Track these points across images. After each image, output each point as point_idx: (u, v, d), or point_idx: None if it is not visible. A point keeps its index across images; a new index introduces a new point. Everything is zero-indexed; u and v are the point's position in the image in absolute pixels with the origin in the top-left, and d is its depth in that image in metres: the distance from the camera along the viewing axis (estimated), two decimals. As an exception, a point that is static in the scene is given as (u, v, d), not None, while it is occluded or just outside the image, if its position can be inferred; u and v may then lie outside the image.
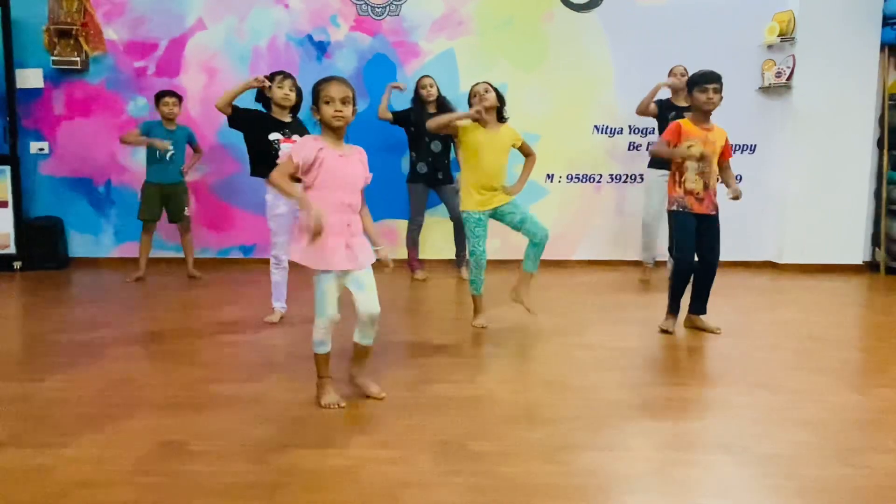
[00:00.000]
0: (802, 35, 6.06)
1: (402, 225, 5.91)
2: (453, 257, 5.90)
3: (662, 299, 4.07)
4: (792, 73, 6.10)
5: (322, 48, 6.23)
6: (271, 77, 4.08)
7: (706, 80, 3.71)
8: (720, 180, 3.89)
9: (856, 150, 6.19)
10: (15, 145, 6.02)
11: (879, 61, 6.15)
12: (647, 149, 6.27)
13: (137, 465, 2.17)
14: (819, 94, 6.10)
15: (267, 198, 4.04)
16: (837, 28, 6.04)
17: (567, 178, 6.41)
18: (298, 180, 2.69)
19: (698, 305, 3.99)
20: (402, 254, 5.85)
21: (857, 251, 6.28)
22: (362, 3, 6.20)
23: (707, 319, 3.98)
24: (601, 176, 6.42)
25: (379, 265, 2.78)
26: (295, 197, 2.62)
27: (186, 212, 5.69)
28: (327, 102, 2.62)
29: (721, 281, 3.99)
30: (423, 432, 2.44)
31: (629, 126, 6.34)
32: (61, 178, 6.26)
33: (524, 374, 3.24)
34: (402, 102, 5.78)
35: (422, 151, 5.59)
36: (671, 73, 5.51)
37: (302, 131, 4.13)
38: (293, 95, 4.08)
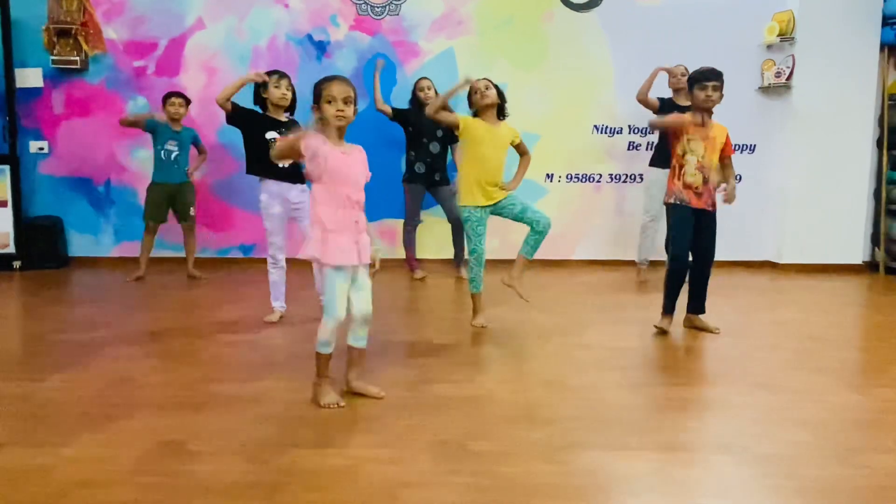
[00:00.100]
0: (802, 35, 6.06)
1: (400, 224, 5.90)
2: (452, 257, 5.90)
3: (661, 299, 4.06)
4: (791, 72, 6.10)
5: (322, 48, 6.23)
6: (268, 75, 4.07)
7: (705, 78, 3.71)
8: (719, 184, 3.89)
9: (855, 150, 6.19)
10: (14, 145, 6.02)
11: (879, 61, 6.16)
12: (647, 148, 6.28)
13: (137, 464, 2.17)
14: (819, 94, 6.10)
15: (261, 197, 4.04)
16: (837, 28, 6.04)
17: (567, 177, 6.42)
18: (299, 166, 2.71)
19: (696, 305, 3.99)
20: (401, 254, 5.85)
21: (856, 251, 6.29)
22: (362, 2, 6.20)
23: (706, 319, 3.98)
24: (601, 176, 6.42)
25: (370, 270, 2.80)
26: (293, 141, 2.61)
27: (192, 211, 5.69)
28: (329, 101, 2.62)
29: (720, 281, 3.99)
30: (423, 432, 2.44)
31: (629, 126, 6.34)
32: (61, 177, 6.26)
33: (524, 373, 3.24)
34: (402, 101, 5.78)
35: (420, 152, 5.59)
36: (672, 74, 5.50)
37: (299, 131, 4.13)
38: (290, 95, 4.08)
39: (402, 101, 5.80)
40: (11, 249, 5.99)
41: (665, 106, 5.50)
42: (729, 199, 3.84)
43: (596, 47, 6.28)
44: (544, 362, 3.38)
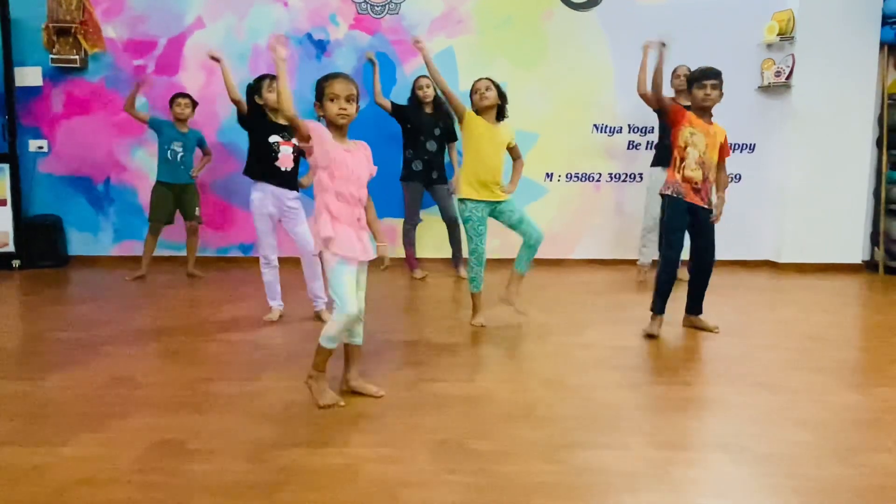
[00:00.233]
0: (802, 34, 6.06)
1: (399, 224, 5.90)
2: (450, 256, 5.89)
3: (661, 299, 4.05)
4: (791, 72, 6.10)
5: (321, 47, 6.22)
6: (261, 80, 4.05)
7: (704, 77, 3.72)
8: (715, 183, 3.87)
9: (855, 150, 6.19)
10: (14, 143, 6.01)
11: (879, 61, 6.15)
12: (647, 147, 6.28)
13: (136, 463, 2.17)
14: (818, 93, 6.10)
15: (253, 196, 4.04)
16: (837, 27, 6.04)
17: (566, 176, 6.41)
18: (302, 155, 2.69)
19: (694, 306, 3.98)
20: (401, 253, 5.85)
21: (856, 250, 6.28)
22: (362, 1, 6.20)
23: (705, 318, 3.98)
24: (600, 175, 6.42)
25: (375, 261, 2.81)
26: (301, 125, 2.58)
27: (197, 211, 5.69)
28: (332, 99, 2.62)
29: (720, 280, 3.99)
30: (422, 431, 2.44)
31: (628, 125, 6.34)
32: (60, 176, 6.25)
33: (523, 372, 3.24)
34: (401, 101, 5.78)
35: (418, 150, 5.59)
36: (674, 74, 5.48)
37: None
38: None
39: (401, 100, 5.79)
40: (11, 248, 5.99)
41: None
42: (715, 220, 3.82)
43: (596, 46, 6.27)
44: (544, 362, 3.38)
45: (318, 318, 4.11)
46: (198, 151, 5.75)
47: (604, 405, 2.75)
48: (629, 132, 6.36)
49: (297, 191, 4.12)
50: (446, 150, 5.78)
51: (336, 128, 2.67)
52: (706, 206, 3.78)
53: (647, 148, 6.29)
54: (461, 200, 3.95)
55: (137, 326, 3.99)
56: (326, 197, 2.65)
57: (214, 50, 4.25)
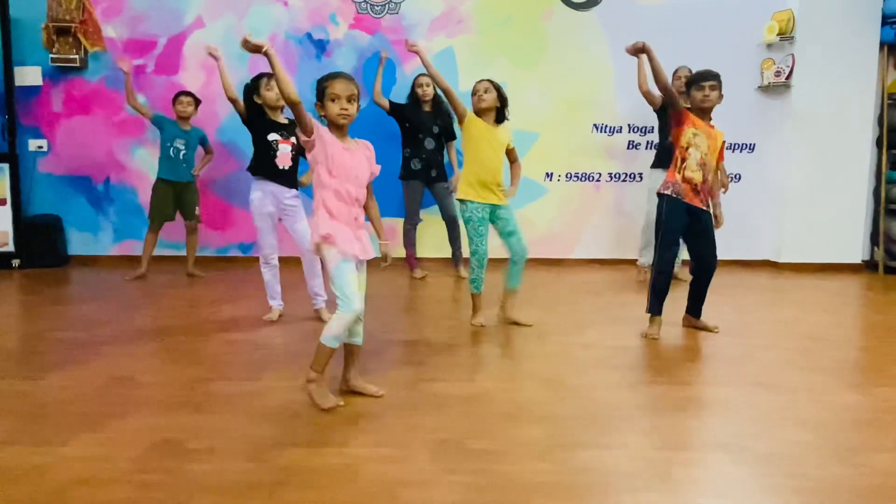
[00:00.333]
0: (802, 34, 6.06)
1: (400, 223, 5.90)
2: (450, 256, 5.89)
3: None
4: (791, 72, 6.10)
5: (321, 46, 6.22)
6: (258, 79, 4.05)
7: (702, 78, 3.71)
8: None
9: (855, 150, 6.19)
10: (14, 143, 6.01)
11: (879, 60, 6.16)
12: (647, 147, 6.28)
13: (136, 463, 2.17)
14: (818, 93, 6.10)
15: (253, 196, 4.04)
16: (837, 27, 6.04)
17: (566, 176, 6.41)
18: (301, 153, 2.67)
19: (695, 308, 3.98)
20: (401, 252, 5.85)
21: (855, 250, 6.29)
22: (362, 1, 6.20)
23: (705, 318, 3.98)
24: (600, 175, 6.42)
25: (376, 259, 2.81)
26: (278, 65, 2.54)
27: (197, 210, 5.69)
28: (333, 100, 2.62)
29: (719, 280, 3.98)
30: (422, 431, 2.44)
31: (628, 125, 6.34)
32: (60, 175, 6.25)
33: (522, 372, 3.24)
34: (400, 98, 5.78)
35: (416, 148, 5.60)
36: (675, 76, 5.48)
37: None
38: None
39: (401, 99, 5.79)
40: (11, 248, 5.99)
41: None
42: (718, 226, 3.83)
43: (595, 46, 6.27)
44: (543, 361, 3.38)
45: (317, 316, 4.10)
46: (200, 150, 5.75)
47: (604, 405, 2.75)
48: (629, 132, 6.36)
49: (296, 189, 4.12)
50: (445, 148, 5.79)
51: (337, 127, 2.67)
52: (705, 209, 3.78)
53: (646, 148, 6.29)
54: (461, 201, 3.95)
55: (137, 326, 3.99)
56: (324, 194, 2.65)
57: (213, 47, 4.24)
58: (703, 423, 2.63)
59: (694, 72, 3.94)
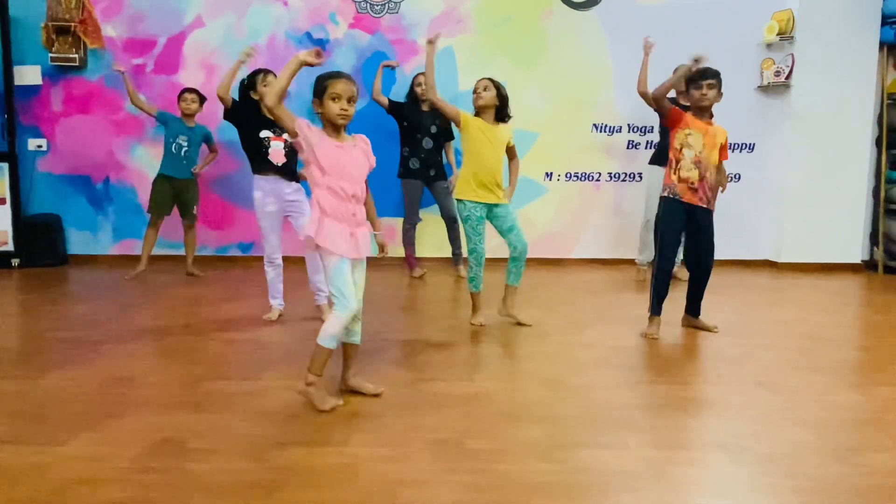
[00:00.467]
0: (801, 34, 6.06)
1: (399, 223, 5.90)
2: (450, 255, 5.89)
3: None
4: (791, 71, 6.10)
5: (321, 46, 6.22)
6: (255, 75, 4.06)
7: (701, 77, 3.72)
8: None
9: (854, 149, 6.19)
10: (13, 142, 6.01)
11: (878, 60, 6.16)
12: (646, 147, 6.28)
13: (135, 462, 2.16)
14: (818, 92, 6.10)
15: (255, 195, 4.04)
16: (836, 27, 6.04)
17: (566, 176, 6.42)
18: (294, 152, 2.65)
19: (694, 306, 3.98)
20: (400, 252, 5.85)
21: (855, 250, 6.29)
22: (361, 0, 6.20)
23: (705, 318, 3.98)
24: (600, 174, 6.42)
25: (375, 256, 2.80)
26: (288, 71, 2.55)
27: (195, 209, 5.68)
28: (334, 99, 2.60)
29: (719, 279, 3.99)
30: (421, 430, 2.44)
31: (628, 124, 6.35)
32: (59, 175, 6.25)
33: (522, 372, 3.24)
34: (399, 97, 5.78)
35: (414, 147, 5.60)
36: (675, 74, 5.46)
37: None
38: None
39: (400, 99, 5.78)
40: (10, 247, 5.98)
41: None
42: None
43: (595, 46, 6.27)
44: (543, 361, 3.38)
45: (319, 313, 4.09)
46: (204, 148, 5.74)
47: (603, 405, 2.74)
48: (629, 132, 6.36)
49: (297, 182, 4.11)
50: (442, 147, 5.78)
51: (333, 127, 2.67)
52: (705, 206, 3.78)
53: (646, 147, 6.29)
54: (459, 200, 3.95)
55: (137, 325, 3.98)
56: (318, 192, 2.65)
57: (252, 53, 4.25)
58: (703, 422, 2.63)
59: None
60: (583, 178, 6.42)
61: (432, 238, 6.24)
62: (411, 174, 5.62)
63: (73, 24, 5.90)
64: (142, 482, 2.03)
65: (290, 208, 4.06)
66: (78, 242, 6.31)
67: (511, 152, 4.01)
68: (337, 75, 2.64)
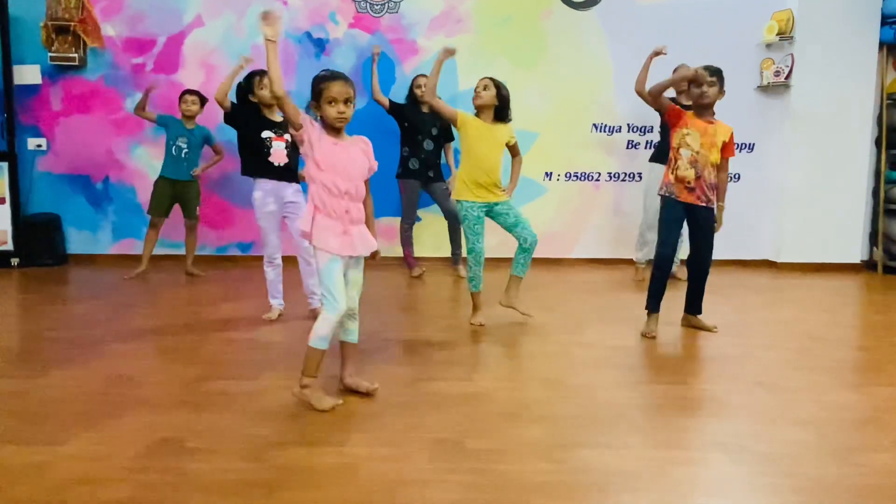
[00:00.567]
0: (801, 34, 6.06)
1: (398, 223, 5.89)
2: (450, 255, 5.89)
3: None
4: (790, 71, 6.10)
5: (321, 45, 6.22)
6: (251, 78, 4.07)
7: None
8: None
9: (854, 149, 6.19)
10: (13, 142, 6.00)
11: (878, 60, 6.16)
12: (646, 147, 6.28)
13: (135, 462, 2.17)
14: (817, 92, 6.10)
15: (255, 195, 4.04)
16: (836, 27, 6.04)
17: (565, 176, 6.41)
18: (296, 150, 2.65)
19: (693, 306, 3.98)
20: (399, 251, 5.85)
21: (854, 250, 6.29)
22: (361, 0, 6.20)
23: (704, 318, 3.98)
24: (599, 174, 6.42)
25: (369, 256, 2.81)
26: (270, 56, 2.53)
27: (196, 210, 5.68)
28: (330, 103, 2.60)
29: (719, 279, 3.99)
30: (421, 430, 2.44)
31: (628, 124, 6.34)
32: (59, 174, 6.25)
33: (522, 371, 3.24)
34: (400, 99, 5.78)
35: (414, 148, 5.60)
36: (675, 73, 5.46)
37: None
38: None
39: (400, 99, 5.79)
40: (10, 247, 5.98)
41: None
42: (717, 229, 3.83)
43: (595, 45, 6.27)
44: (542, 361, 3.38)
45: (313, 315, 4.10)
46: (208, 150, 5.73)
47: (603, 404, 2.75)
48: (628, 131, 6.36)
49: (298, 183, 4.11)
50: (442, 149, 5.79)
51: (334, 129, 2.67)
52: (703, 205, 3.78)
53: (646, 147, 6.29)
54: (458, 201, 3.95)
55: (136, 325, 3.98)
56: (314, 188, 2.65)
57: (250, 60, 4.31)
58: (703, 422, 2.63)
59: None
60: (582, 178, 6.42)
61: (431, 238, 6.24)
62: (410, 174, 5.62)
63: (72, 23, 5.90)
64: (141, 482, 2.03)
65: (289, 209, 4.07)
66: (77, 242, 6.31)
67: (513, 150, 4.00)
68: (331, 77, 2.62)
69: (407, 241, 5.76)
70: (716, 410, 2.75)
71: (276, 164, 4.02)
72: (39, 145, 6.21)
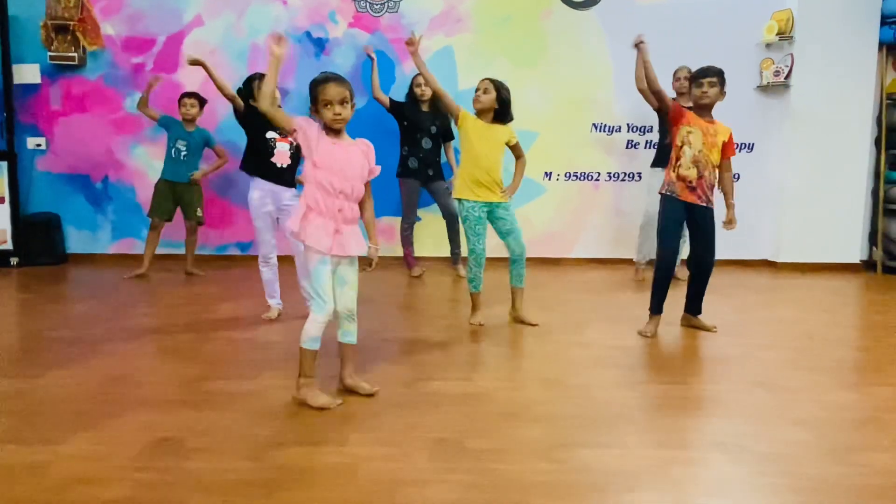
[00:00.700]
0: (801, 34, 6.06)
1: (398, 222, 5.90)
2: (449, 255, 5.89)
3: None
4: (790, 71, 6.10)
5: (320, 45, 6.22)
6: (250, 83, 4.05)
7: (701, 75, 3.74)
8: (720, 186, 3.87)
9: (853, 149, 6.19)
10: (12, 141, 6.00)
11: (878, 60, 6.16)
12: (646, 146, 6.28)
13: (134, 461, 2.16)
14: (817, 92, 6.10)
15: (252, 195, 4.04)
16: (836, 27, 6.04)
17: (565, 175, 6.42)
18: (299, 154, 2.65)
19: (693, 306, 3.98)
20: (398, 251, 5.85)
21: (854, 250, 6.29)
22: (361, -1, 6.20)
23: (704, 318, 3.98)
24: (599, 174, 6.42)
25: (363, 261, 2.81)
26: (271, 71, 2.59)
27: (199, 212, 5.67)
28: (326, 105, 2.62)
29: (718, 279, 3.99)
30: (420, 430, 2.44)
31: (627, 124, 6.35)
32: (58, 173, 6.25)
33: (521, 371, 3.24)
34: (398, 97, 5.78)
35: (414, 147, 5.61)
36: (675, 76, 5.47)
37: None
38: (278, 93, 4.05)
39: (399, 98, 5.79)
40: (9, 246, 5.97)
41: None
42: (732, 226, 3.82)
43: (595, 45, 6.27)
44: (542, 360, 3.38)
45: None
46: (209, 153, 5.71)
47: (602, 404, 2.75)
48: (628, 131, 6.37)
49: (295, 188, 4.12)
50: (442, 148, 5.79)
51: (333, 131, 2.68)
52: (704, 205, 3.77)
53: (645, 147, 6.30)
54: (458, 200, 3.95)
55: (136, 324, 3.98)
56: (309, 188, 2.67)
57: (193, 54, 4.30)
58: (702, 422, 2.63)
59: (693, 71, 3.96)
60: (582, 178, 6.42)
61: (431, 237, 6.24)
62: (409, 173, 5.62)
63: (72, 22, 5.90)
64: (141, 481, 2.03)
65: (284, 213, 4.06)
66: (77, 241, 6.31)
67: (516, 150, 4.00)
68: (325, 80, 2.64)
69: (407, 240, 5.76)
70: (715, 410, 2.75)
71: (278, 165, 4.02)
72: (39, 144, 6.21)
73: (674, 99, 5.47)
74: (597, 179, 6.42)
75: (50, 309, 4.40)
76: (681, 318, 4.05)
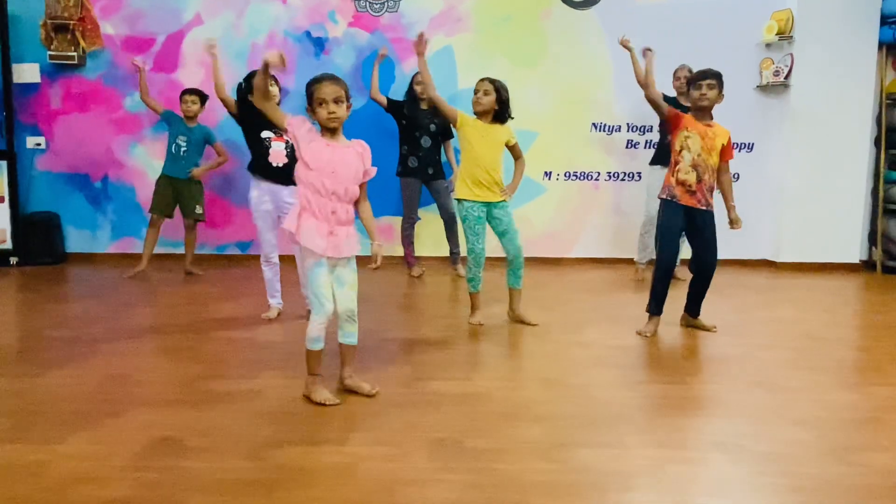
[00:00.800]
0: (801, 34, 6.06)
1: (398, 222, 5.90)
2: (448, 254, 5.90)
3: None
4: (790, 71, 6.10)
5: (320, 44, 6.21)
6: (251, 78, 4.06)
7: (700, 77, 3.73)
8: (719, 188, 3.87)
9: (853, 149, 6.19)
10: (11, 140, 5.99)
11: (877, 60, 6.16)
12: (645, 146, 6.28)
13: (134, 461, 2.17)
14: (817, 92, 6.10)
15: (252, 194, 4.04)
16: (836, 27, 6.04)
17: (565, 175, 6.41)
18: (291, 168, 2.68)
19: (693, 307, 3.98)
20: (398, 251, 5.85)
21: (853, 250, 6.29)
22: (361, -1, 6.20)
23: (703, 318, 3.98)
24: (599, 174, 6.42)
25: (367, 259, 2.81)
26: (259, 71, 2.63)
27: (198, 209, 5.66)
28: (320, 104, 2.63)
29: (718, 279, 3.98)
30: (420, 429, 2.44)
31: (627, 124, 6.34)
32: (58, 173, 6.24)
33: (521, 371, 3.24)
34: (397, 96, 5.78)
35: (413, 146, 5.60)
36: (675, 76, 5.48)
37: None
38: (276, 90, 4.05)
39: (398, 97, 5.78)
40: (8, 245, 5.97)
41: (668, 104, 5.46)
42: (738, 226, 3.85)
43: (595, 45, 6.27)
44: (541, 360, 3.38)
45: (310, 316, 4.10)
46: (210, 150, 5.72)
47: (602, 404, 2.75)
48: (628, 131, 6.36)
49: (294, 185, 4.10)
50: (441, 146, 5.78)
51: (329, 130, 2.68)
52: (704, 208, 3.78)
53: (645, 147, 6.29)
54: (458, 200, 3.95)
55: (135, 324, 3.98)
56: (301, 189, 2.68)
57: (213, 43, 4.28)
58: (702, 422, 2.63)
59: (694, 71, 3.96)
60: (582, 178, 6.42)
61: (431, 237, 6.24)
62: (409, 173, 5.62)
63: (71, 22, 5.89)
64: (140, 481, 2.03)
65: (285, 211, 4.05)
66: (76, 240, 6.31)
67: (514, 151, 4.00)
68: (320, 79, 2.65)
69: (407, 240, 5.76)
70: (715, 410, 2.75)
71: (274, 164, 4.01)
72: (38, 144, 6.21)
73: (674, 98, 5.50)
74: (597, 179, 6.42)
75: (49, 308, 4.40)
76: (680, 319, 4.05)
